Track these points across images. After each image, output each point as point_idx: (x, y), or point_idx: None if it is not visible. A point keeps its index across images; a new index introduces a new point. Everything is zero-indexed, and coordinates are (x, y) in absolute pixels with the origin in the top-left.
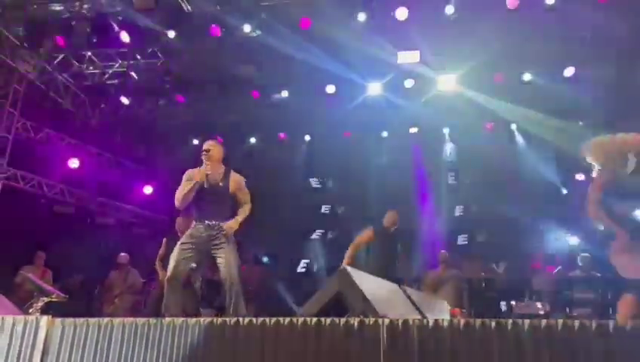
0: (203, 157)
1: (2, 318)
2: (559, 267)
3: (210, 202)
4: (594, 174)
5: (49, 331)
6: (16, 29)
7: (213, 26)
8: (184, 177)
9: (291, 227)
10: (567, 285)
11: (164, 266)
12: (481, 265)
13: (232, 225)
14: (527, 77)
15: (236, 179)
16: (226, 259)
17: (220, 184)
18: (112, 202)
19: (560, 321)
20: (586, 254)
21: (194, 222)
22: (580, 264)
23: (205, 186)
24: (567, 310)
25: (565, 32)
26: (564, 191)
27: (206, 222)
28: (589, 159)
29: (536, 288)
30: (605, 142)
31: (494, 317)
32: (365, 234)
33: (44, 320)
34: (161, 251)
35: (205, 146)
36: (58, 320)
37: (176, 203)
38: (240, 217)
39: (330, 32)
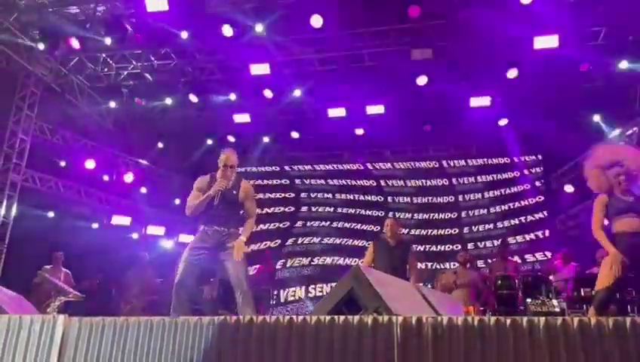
0: (226, 171)
1: (20, 317)
2: (576, 265)
3: (220, 209)
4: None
5: (66, 330)
6: (32, 33)
7: (226, 26)
8: (195, 184)
9: None
10: (585, 282)
11: None
12: (511, 267)
13: (241, 245)
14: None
15: (246, 187)
16: (234, 262)
17: (233, 192)
18: (127, 202)
19: (576, 319)
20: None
21: (202, 227)
22: (599, 261)
23: (214, 197)
24: (585, 307)
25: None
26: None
27: (214, 227)
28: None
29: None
30: (592, 168)
31: (511, 315)
32: (368, 253)
33: (61, 319)
34: None
35: (229, 160)
36: (75, 319)
37: (187, 211)
38: (246, 233)
39: (342, 29)
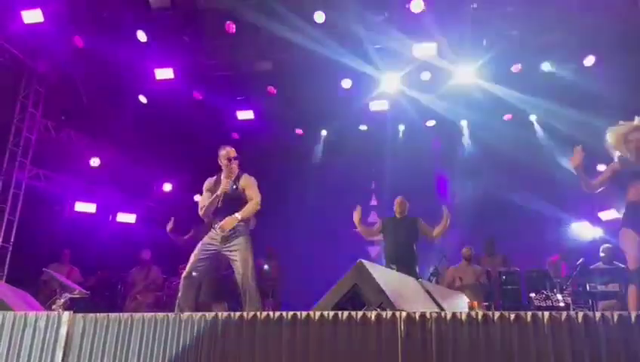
0: (230, 164)
1: (25, 314)
2: (582, 259)
3: (225, 206)
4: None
5: (71, 326)
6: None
7: (228, 22)
8: (204, 186)
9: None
10: (589, 277)
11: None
12: (502, 260)
13: (228, 221)
14: (546, 67)
15: (246, 179)
16: (240, 259)
17: (234, 187)
18: (133, 199)
19: (580, 313)
20: (608, 245)
21: (213, 224)
22: (602, 255)
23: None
24: (590, 302)
25: (586, 19)
26: None
27: (220, 221)
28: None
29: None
30: (619, 130)
31: (515, 310)
32: (375, 227)
33: (66, 315)
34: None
35: (230, 153)
36: (79, 315)
37: (200, 213)
38: (240, 214)
39: (345, 25)
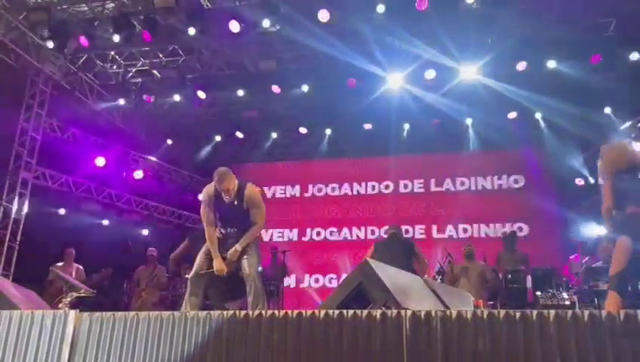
0: (224, 194)
1: (32, 312)
2: (587, 257)
3: (230, 217)
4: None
5: (77, 325)
6: (41, 31)
7: (233, 21)
8: (203, 197)
9: None
10: (592, 276)
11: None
12: (519, 257)
13: (232, 254)
14: (551, 64)
15: (250, 196)
16: (247, 260)
17: (235, 203)
18: (138, 199)
19: (586, 311)
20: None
21: (218, 229)
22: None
23: (222, 205)
24: (596, 301)
25: (590, 17)
26: (592, 181)
27: (228, 229)
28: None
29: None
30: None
31: (521, 308)
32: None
33: (72, 314)
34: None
35: (222, 187)
36: (86, 314)
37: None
38: (243, 242)
39: (350, 24)
